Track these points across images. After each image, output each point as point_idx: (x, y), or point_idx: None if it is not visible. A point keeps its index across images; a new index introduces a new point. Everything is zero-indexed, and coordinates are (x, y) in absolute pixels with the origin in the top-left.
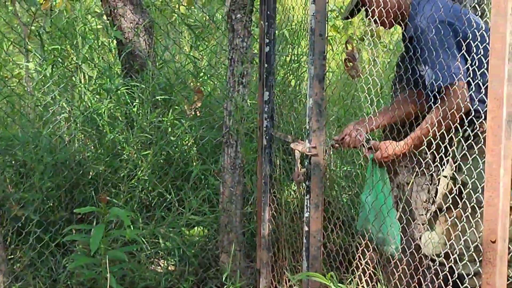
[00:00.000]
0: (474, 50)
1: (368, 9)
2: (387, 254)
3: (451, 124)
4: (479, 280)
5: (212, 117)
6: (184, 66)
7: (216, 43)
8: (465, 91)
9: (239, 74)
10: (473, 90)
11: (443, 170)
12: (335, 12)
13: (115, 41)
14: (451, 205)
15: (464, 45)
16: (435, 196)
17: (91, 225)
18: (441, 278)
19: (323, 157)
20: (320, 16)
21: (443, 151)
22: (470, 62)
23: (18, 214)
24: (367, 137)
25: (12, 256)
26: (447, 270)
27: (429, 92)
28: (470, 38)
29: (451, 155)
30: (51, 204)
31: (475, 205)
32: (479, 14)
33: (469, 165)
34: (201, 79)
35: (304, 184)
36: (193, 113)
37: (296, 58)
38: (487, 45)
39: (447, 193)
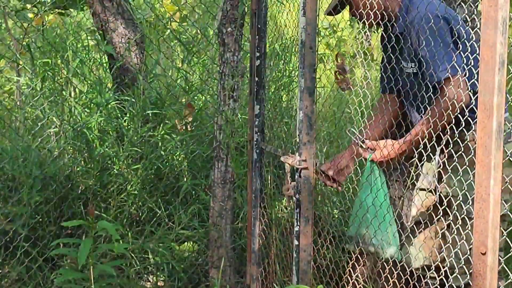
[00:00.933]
0: (469, 50)
1: (355, 10)
2: (386, 256)
3: (452, 117)
4: None
5: (203, 132)
6: (176, 80)
7: (207, 58)
8: (465, 82)
9: (230, 88)
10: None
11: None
12: (328, 30)
13: (106, 56)
14: (441, 217)
15: (459, 43)
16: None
17: (79, 239)
18: None
19: (313, 171)
20: (310, 28)
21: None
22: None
23: (6, 228)
24: (361, 138)
25: (0, 271)
26: (438, 283)
27: (427, 84)
28: (465, 38)
29: (431, 167)
30: (40, 219)
31: (465, 217)
32: (469, 24)
33: (459, 176)
34: (192, 94)
35: (294, 198)
36: (184, 127)
37: (287, 73)
38: (477, 56)
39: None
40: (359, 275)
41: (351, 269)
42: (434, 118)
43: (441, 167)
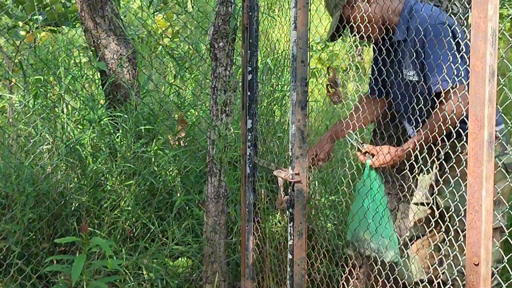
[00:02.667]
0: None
1: (353, 26)
2: (385, 260)
3: (450, 128)
4: None
5: (195, 147)
6: (168, 96)
7: (200, 73)
8: (466, 94)
9: (222, 103)
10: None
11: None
12: (320, 44)
13: (98, 72)
14: (433, 229)
15: (462, 46)
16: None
17: (73, 256)
18: None
19: (306, 184)
20: (301, 42)
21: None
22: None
23: None
24: (359, 140)
25: None
26: None
27: (426, 95)
28: (466, 41)
29: (423, 181)
30: (33, 236)
31: (458, 229)
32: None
33: (451, 188)
34: (184, 109)
35: (287, 212)
36: (176, 143)
37: (280, 88)
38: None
39: (428, 218)
40: (356, 282)
41: (348, 276)
42: (433, 128)
43: (434, 180)
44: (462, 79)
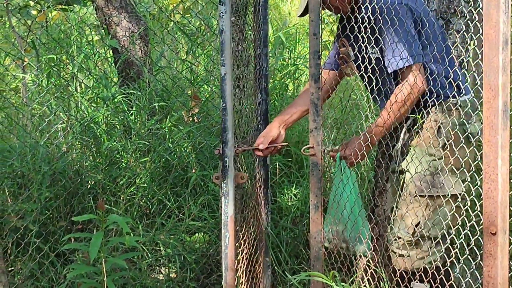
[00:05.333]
0: (431, 36)
1: (330, 5)
2: (358, 253)
3: (412, 103)
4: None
5: (209, 122)
6: (181, 72)
7: (212, 48)
8: (422, 72)
9: (235, 78)
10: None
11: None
12: (331, 16)
13: (110, 50)
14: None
15: (422, 32)
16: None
17: (90, 234)
18: None
19: (321, 157)
20: (313, 15)
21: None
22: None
23: (17, 225)
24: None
25: (12, 268)
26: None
27: (387, 72)
28: (427, 24)
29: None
30: (50, 214)
31: (417, 194)
32: (472, 5)
33: (414, 154)
34: (197, 85)
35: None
36: (190, 119)
37: (292, 62)
38: (436, 30)
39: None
40: (374, 253)
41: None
42: (398, 105)
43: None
44: (418, 57)
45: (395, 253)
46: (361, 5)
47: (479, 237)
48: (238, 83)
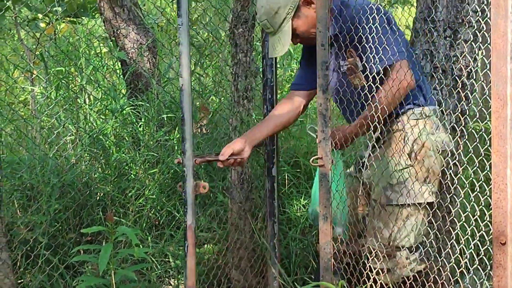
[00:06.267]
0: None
1: (298, 34)
2: (334, 234)
3: (400, 98)
4: (391, 276)
5: (218, 134)
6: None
7: (220, 60)
8: (409, 68)
9: (243, 89)
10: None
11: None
12: None
13: (119, 62)
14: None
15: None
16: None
17: (99, 245)
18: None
19: (329, 168)
20: (321, 26)
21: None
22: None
23: (26, 237)
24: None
25: (22, 280)
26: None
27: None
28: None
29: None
30: (59, 226)
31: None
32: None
33: (382, 163)
34: (206, 96)
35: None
36: (199, 130)
37: None
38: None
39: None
40: (383, 264)
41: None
42: (386, 100)
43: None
44: (403, 54)
45: (374, 268)
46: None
47: (488, 247)
48: (246, 94)
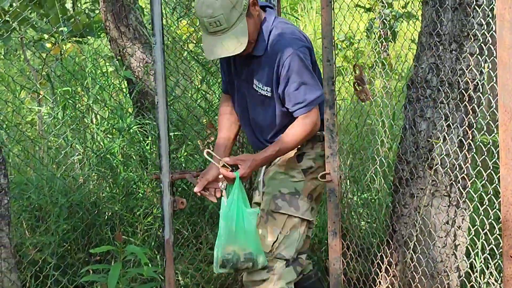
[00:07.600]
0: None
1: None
2: (258, 266)
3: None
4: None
5: None
6: (195, 101)
7: None
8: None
9: None
10: None
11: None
12: (345, 42)
13: (125, 81)
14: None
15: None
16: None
17: (108, 265)
18: None
19: (338, 183)
20: (326, 42)
21: None
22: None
23: (35, 258)
24: (217, 156)
25: None
26: None
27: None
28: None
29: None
30: (68, 246)
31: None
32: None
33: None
34: (212, 113)
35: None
36: (206, 148)
37: None
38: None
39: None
40: (393, 280)
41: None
42: (295, 136)
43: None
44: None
45: (255, 281)
46: (256, 42)
47: (499, 261)
48: None
